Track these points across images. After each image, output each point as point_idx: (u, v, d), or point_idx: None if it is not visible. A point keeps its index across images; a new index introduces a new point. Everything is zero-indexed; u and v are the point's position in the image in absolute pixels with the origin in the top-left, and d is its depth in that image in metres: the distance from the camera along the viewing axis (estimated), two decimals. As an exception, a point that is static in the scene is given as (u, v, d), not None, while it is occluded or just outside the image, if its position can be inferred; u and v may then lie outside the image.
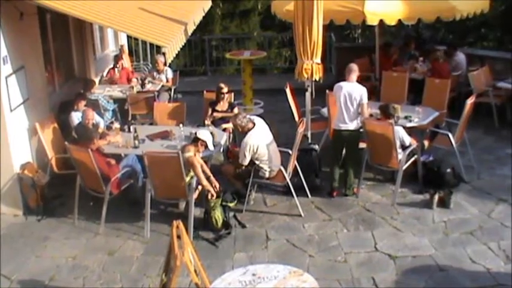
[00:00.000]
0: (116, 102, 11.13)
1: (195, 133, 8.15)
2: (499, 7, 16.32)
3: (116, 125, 9.36)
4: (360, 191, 8.85)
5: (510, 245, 7.30)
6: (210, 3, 13.28)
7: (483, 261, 7.02)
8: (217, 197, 7.88)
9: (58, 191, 8.87)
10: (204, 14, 11.98)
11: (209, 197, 7.81)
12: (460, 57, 12.19)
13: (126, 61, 13.46)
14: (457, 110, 9.84)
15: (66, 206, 8.62)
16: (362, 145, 8.80)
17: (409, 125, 9.08)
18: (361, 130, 8.61)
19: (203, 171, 7.89)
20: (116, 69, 12.66)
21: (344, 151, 8.76)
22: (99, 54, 13.85)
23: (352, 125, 8.55)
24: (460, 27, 16.38)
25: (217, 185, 7.96)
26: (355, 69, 8.67)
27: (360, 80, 8.80)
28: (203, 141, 7.98)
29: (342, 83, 8.69)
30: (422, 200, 8.59)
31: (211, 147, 8.12)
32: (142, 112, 11.37)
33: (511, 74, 11.70)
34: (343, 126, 8.58)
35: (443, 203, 8.34)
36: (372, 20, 10.15)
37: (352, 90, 8.52)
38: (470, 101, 9.09)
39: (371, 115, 8.97)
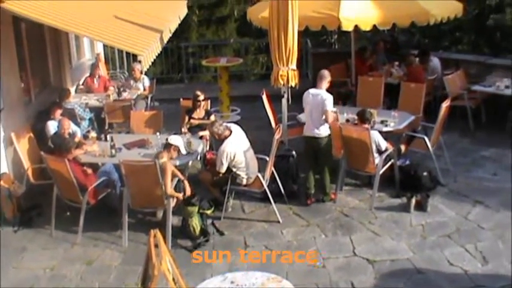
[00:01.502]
0: (92, 111, 11.07)
1: (166, 139, 8.21)
2: (473, 11, 16.51)
3: (93, 134, 9.30)
4: (337, 196, 8.87)
5: (487, 247, 7.38)
6: (186, 11, 13.27)
7: (461, 263, 7.09)
8: (193, 204, 7.87)
9: (35, 202, 8.79)
10: (180, 22, 11.96)
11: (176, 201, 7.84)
12: (435, 61, 12.29)
13: (102, 69, 13.37)
14: (432, 113, 9.90)
15: (43, 216, 8.55)
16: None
17: (385, 129, 9.12)
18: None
19: (176, 175, 7.92)
20: (95, 78, 12.52)
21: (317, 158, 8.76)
22: (75, 62, 13.76)
23: (318, 132, 8.54)
24: (435, 32, 16.54)
25: (189, 191, 7.95)
26: (326, 76, 8.65)
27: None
28: (175, 146, 8.02)
29: (310, 90, 8.72)
30: (399, 204, 8.65)
31: (183, 151, 8.16)
32: (119, 121, 11.31)
33: (485, 77, 11.82)
34: (311, 133, 8.60)
35: (421, 207, 8.40)
36: (347, 26, 10.18)
37: (317, 97, 8.54)
38: (445, 105, 9.17)
39: (347, 120, 9.00)
